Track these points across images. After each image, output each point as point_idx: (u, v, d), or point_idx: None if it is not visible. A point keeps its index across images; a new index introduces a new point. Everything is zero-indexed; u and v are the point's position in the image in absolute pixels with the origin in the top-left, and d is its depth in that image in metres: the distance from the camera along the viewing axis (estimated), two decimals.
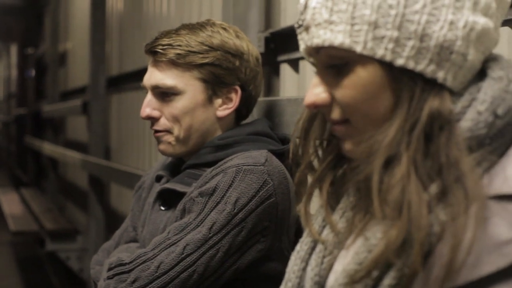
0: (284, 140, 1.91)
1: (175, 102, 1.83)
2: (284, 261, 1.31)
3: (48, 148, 8.97)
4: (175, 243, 1.67)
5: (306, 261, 1.23)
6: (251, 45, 1.92)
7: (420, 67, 1.05)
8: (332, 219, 1.21)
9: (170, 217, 1.83)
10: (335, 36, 1.07)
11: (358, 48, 1.06)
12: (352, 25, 1.06)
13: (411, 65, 1.05)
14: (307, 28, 1.12)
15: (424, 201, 1.00)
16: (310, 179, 1.26)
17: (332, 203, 1.24)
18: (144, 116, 1.86)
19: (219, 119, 1.88)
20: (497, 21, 1.11)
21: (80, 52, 7.80)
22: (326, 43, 1.08)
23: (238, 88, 1.87)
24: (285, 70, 2.78)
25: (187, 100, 1.83)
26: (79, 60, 7.95)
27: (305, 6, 1.13)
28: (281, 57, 2.79)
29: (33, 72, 13.48)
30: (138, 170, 4.39)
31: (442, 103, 1.04)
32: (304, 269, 1.22)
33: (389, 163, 1.04)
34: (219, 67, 1.83)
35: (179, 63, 1.82)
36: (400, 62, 1.05)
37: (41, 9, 12.26)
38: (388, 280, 1.02)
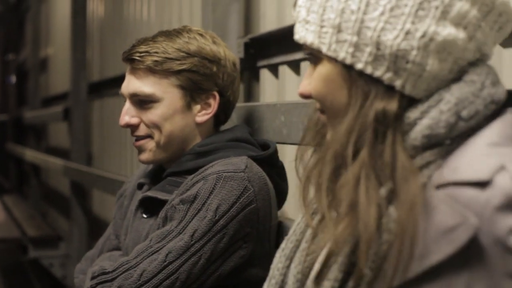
0: (264, 146, 1.92)
1: (153, 109, 1.84)
2: (266, 266, 1.32)
3: (30, 154, 8.93)
4: (158, 251, 1.68)
5: (291, 259, 1.24)
6: (227, 50, 1.92)
7: (377, 73, 1.09)
8: (311, 220, 1.23)
9: (152, 224, 1.83)
10: (308, 35, 1.15)
11: (324, 49, 1.13)
12: (321, 27, 1.13)
13: (369, 70, 1.09)
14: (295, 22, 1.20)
15: (373, 201, 1.04)
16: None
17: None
18: (123, 124, 1.87)
19: (198, 125, 1.88)
20: (477, 30, 1.11)
21: (62, 57, 7.77)
22: (302, 40, 1.16)
23: (216, 93, 1.88)
24: (265, 75, 2.79)
25: (166, 107, 1.83)
26: (61, 66, 7.92)
27: (295, 3, 1.20)
28: (261, 63, 2.80)
29: (14, 78, 13.41)
30: (120, 176, 4.38)
31: (388, 103, 1.08)
32: (288, 267, 1.24)
33: (343, 160, 1.10)
34: (196, 73, 1.84)
35: (157, 70, 1.82)
36: (359, 66, 1.10)
37: (22, 15, 12.20)
38: (334, 273, 1.08)
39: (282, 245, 1.28)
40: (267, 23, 2.77)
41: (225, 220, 1.69)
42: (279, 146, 1.95)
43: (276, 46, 2.63)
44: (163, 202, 1.82)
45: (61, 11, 7.83)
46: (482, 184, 0.99)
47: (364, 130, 1.08)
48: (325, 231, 1.12)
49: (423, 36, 1.06)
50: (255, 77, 2.88)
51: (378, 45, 1.08)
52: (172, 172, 1.87)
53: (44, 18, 9.83)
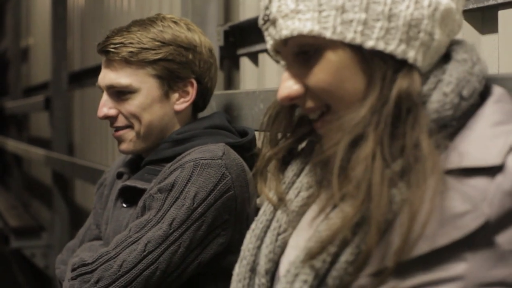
0: (243, 133, 1.91)
1: (131, 100, 1.83)
2: None
3: (12, 144, 8.90)
4: (136, 241, 1.67)
5: (261, 239, 1.24)
6: (203, 36, 1.91)
7: (390, 48, 1.06)
8: (286, 198, 1.23)
9: (132, 214, 1.83)
10: (303, 24, 1.08)
11: (328, 34, 1.07)
12: (320, 11, 1.07)
13: (381, 46, 1.06)
14: (274, 22, 1.12)
15: (386, 180, 1.01)
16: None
17: (284, 174, 1.26)
18: (101, 116, 1.85)
19: (177, 113, 1.87)
20: (458, 3, 1.12)
21: (43, 47, 7.74)
22: (295, 33, 1.09)
23: (193, 81, 1.87)
24: (245, 63, 2.79)
25: (143, 97, 1.82)
26: (42, 56, 7.89)
27: (270, 1, 1.13)
28: (241, 51, 2.79)
29: None
30: (102, 166, 4.37)
31: (412, 83, 1.06)
32: (259, 247, 1.24)
33: (357, 142, 1.05)
34: (172, 62, 1.83)
35: (132, 61, 1.81)
36: (370, 44, 1.06)
37: (2, 5, 12.12)
38: (345, 256, 1.04)
39: (252, 226, 1.27)
40: (247, 11, 2.77)
41: (203, 207, 1.69)
42: (257, 134, 1.94)
43: (256, 34, 2.62)
44: (142, 191, 1.81)
45: (42, 0, 7.78)
46: (493, 169, 0.99)
47: (384, 110, 1.05)
48: (328, 210, 1.09)
49: (429, 4, 1.06)
50: (235, 65, 2.88)
51: (390, 17, 1.05)
52: (150, 160, 1.86)
53: (24, 7, 9.77)
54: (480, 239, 0.99)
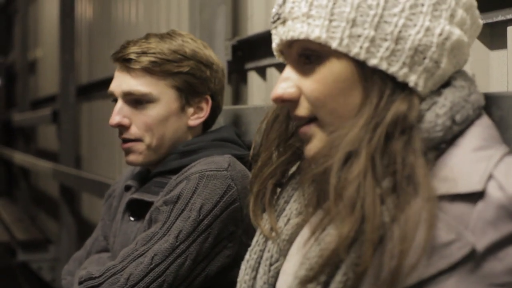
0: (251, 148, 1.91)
1: (148, 110, 1.81)
2: None
3: (19, 157, 8.90)
4: (143, 254, 1.67)
5: (256, 270, 1.24)
6: (216, 56, 1.93)
7: (392, 69, 1.07)
8: (276, 227, 1.23)
9: (139, 227, 1.82)
10: (312, 29, 1.09)
11: (334, 44, 1.08)
12: (331, 20, 1.08)
13: (384, 66, 1.07)
14: (284, 21, 1.13)
15: (378, 198, 1.01)
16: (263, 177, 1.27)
17: (276, 203, 1.26)
18: (114, 124, 1.82)
19: (190, 128, 1.87)
20: (470, 38, 1.14)
21: (50, 60, 7.76)
22: (302, 36, 1.10)
23: (209, 97, 1.88)
24: (253, 77, 2.78)
25: (161, 108, 1.82)
26: (49, 68, 7.91)
27: (284, 0, 1.14)
28: (249, 65, 2.79)
29: (2, 81, 13.37)
30: (109, 179, 4.37)
31: (411, 108, 1.06)
32: (254, 278, 1.24)
33: (348, 159, 1.05)
34: (192, 76, 1.83)
35: (154, 71, 1.80)
36: (373, 62, 1.07)
37: (10, 17, 12.17)
38: (339, 276, 1.03)
39: (247, 257, 1.27)
40: (255, 25, 2.77)
41: (209, 219, 1.68)
42: None
43: (264, 48, 2.62)
44: (149, 204, 1.81)
45: (50, 13, 7.81)
46: (474, 195, 1.00)
47: (377, 130, 1.05)
48: (317, 234, 1.09)
49: (441, 33, 1.07)
50: (243, 79, 2.87)
51: (397, 40, 1.06)
52: (158, 172, 1.86)
53: (32, 20, 9.80)
54: (465, 268, 0.99)
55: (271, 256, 1.22)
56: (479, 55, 1.74)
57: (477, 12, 1.16)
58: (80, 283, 1.71)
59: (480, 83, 1.73)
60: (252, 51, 2.74)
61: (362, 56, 1.07)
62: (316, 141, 1.14)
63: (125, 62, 1.82)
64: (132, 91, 1.81)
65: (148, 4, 4.21)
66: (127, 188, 1.96)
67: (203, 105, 1.88)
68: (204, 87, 1.86)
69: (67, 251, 5.82)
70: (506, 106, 1.15)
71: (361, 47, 1.07)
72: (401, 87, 1.07)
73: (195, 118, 1.87)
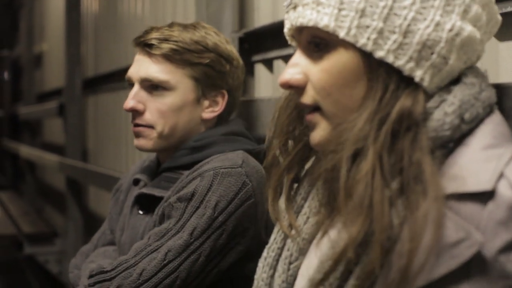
0: (261, 140, 1.91)
1: (164, 97, 1.81)
2: None
3: (25, 150, 8.92)
4: (156, 249, 1.67)
5: (274, 268, 1.23)
6: (238, 54, 1.93)
7: (399, 63, 1.05)
8: (296, 225, 1.21)
9: (148, 221, 1.82)
10: (321, 17, 1.08)
11: (342, 33, 1.07)
12: (340, 9, 1.07)
13: (390, 59, 1.05)
14: (295, 7, 1.13)
15: (387, 198, 1.00)
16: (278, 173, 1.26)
17: (294, 199, 1.24)
18: (128, 108, 1.82)
19: (203, 121, 1.87)
20: (484, 34, 1.12)
21: (56, 53, 7.76)
22: (311, 23, 1.09)
23: (225, 92, 1.87)
24: (260, 70, 2.78)
25: (177, 97, 1.81)
26: (55, 62, 7.91)
27: None
28: (255, 57, 2.78)
29: (7, 75, 13.38)
30: (116, 172, 4.37)
31: (415, 104, 1.04)
32: (272, 276, 1.23)
33: (356, 155, 1.04)
34: (212, 69, 1.83)
35: (175, 58, 1.80)
36: (380, 54, 1.05)
37: (16, 11, 12.18)
38: (352, 280, 1.02)
39: (264, 254, 1.26)
40: (262, 17, 2.76)
41: (224, 216, 1.68)
42: None
43: (270, 40, 2.61)
44: (159, 199, 1.80)
45: (55, 6, 7.81)
46: (484, 195, 0.98)
47: (383, 125, 1.03)
48: (334, 231, 1.07)
49: (451, 29, 1.05)
50: (250, 72, 2.86)
51: (406, 33, 1.05)
52: (168, 167, 1.85)
53: (38, 13, 9.81)
54: (477, 271, 0.98)
55: (291, 255, 1.21)
56: (489, 46, 1.72)
57: (495, 8, 1.14)
58: (91, 276, 1.70)
59: (490, 74, 1.72)
60: (259, 43, 2.73)
61: (369, 47, 1.06)
62: (320, 130, 1.13)
63: (146, 47, 1.82)
64: (150, 78, 1.81)
65: None
66: (136, 182, 1.96)
67: (219, 99, 1.87)
68: (222, 81, 1.86)
69: (74, 244, 5.83)
70: None
71: (368, 38, 1.05)
72: (406, 82, 1.06)
73: (210, 111, 1.87)
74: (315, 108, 1.13)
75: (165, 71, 1.80)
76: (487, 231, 0.97)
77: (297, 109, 1.23)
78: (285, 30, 1.18)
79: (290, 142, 1.26)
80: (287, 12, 1.15)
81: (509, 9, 1.65)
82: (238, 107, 1.96)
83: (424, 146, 1.02)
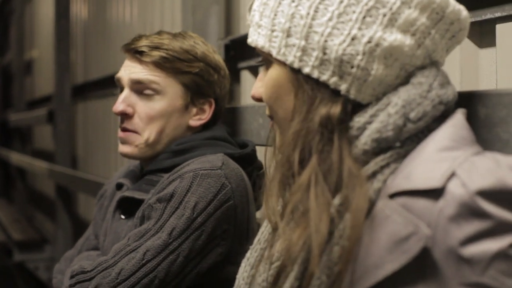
0: (243, 146, 1.92)
1: (153, 102, 1.83)
2: None
3: (16, 157, 8.90)
4: (135, 249, 1.67)
5: (256, 268, 1.25)
6: (224, 63, 1.95)
7: (323, 78, 1.11)
8: (280, 226, 1.23)
9: (130, 225, 1.82)
10: (260, 39, 1.17)
11: (274, 52, 1.14)
12: (272, 31, 1.14)
13: (315, 74, 1.11)
14: (249, 26, 1.21)
15: (325, 207, 1.05)
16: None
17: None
18: (118, 111, 1.83)
19: (189, 128, 1.88)
20: (425, 37, 1.12)
21: (46, 60, 7.76)
22: (253, 44, 1.19)
23: (212, 101, 1.89)
24: (246, 77, 2.79)
25: (166, 102, 1.83)
26: (45, 68, 7.91)
27: (250, 7, 1.22)
28: (241, 64, 2.80)
29: None
30: (105, 179, 4.37)
31: (331, 108, 1.10)
32: (253, 276, 1.25)
33: (292, 165, 1.12)
34: (201, 78, 1.85)
35: (165, 66, 1.82)
36: (306, 70, 1.12)
37: (6, 18, 12.16)
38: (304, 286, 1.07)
39: (247, 255, 1.29)
40: (247, 25, 2.77)
41: (203, 217, 1.69)
42: (257, 148, 1.94)
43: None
44: (139, 202, 1.81)
45: (45, 13, 7.82)
46: (435, 192, 1.00)
47: (311, 136, 1.10)
48: (278, 239, 1.14)
49: (369, 41, 1.08)
50: (236, 78, 2.88)
51: (324, 49, 1.10)
52: (149, 170, 1.86)
53: (28, 20, 9.81)
54: (431, 269, 1.00)
55: (273, 255, 1.23)
56: (469, 53, 1.75)
57: (449, 6, 1.13)
58: (72, 277, 1.71)
59: (469, 81, 1.74)
60: (244, 50, 2.74)
61: (295, 65, 1.12)
62: (277, 136, 1.22)
63: (136, 54, 1.84)
64: (141, 80, 1.82)
65: (142, 5, 4.22)
66: (119, 186, 1.97)
67: (206, 107, 1.89)
68: (210, 90, 1.88)
69: (63, 251, 5.80)
70: (491, 104, 1.15)
71: (295, 56, 1.12)
72: (335, 94, 1.11)
73: (197, 119, 1.88)
74: (271, 116, 1.22)
75: (156, 76, 1.82)
76: (439, 228, 0.99)
77: None
78: None
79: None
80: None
81: (488, 16, 1.67)
82: (222, 116, 1.97)
83: (344, 150, 1.08)
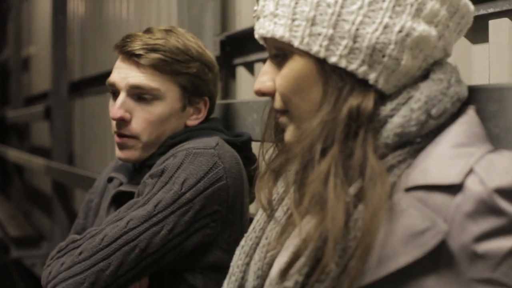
0: (238, 136, 1.91)
1: (153, 106, 1.80)
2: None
3: (13, 154, 8.90)
4: (121, 218, 1.67)
5: (251, 256, 1.25)
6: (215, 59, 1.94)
7: (352, 67, 1.09)
8: (276, 215, 1.24)
9: None
10: (277, 28, 1.13)
11: (296, 43, 1.11)
12: (293, 20, 1.11)
13: (343, 63, 1.09)
14: (258, 18, 1.18)
15: (342, 198, 1.04)
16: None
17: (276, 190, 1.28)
18: (116, 117, 1.79)
19: (186, 127, 1.87)
20: (445, 29, 1.13)
21: (43, 56, 7.75)
22: (269, 35, 1.14)
23: (207, 99, 1.89)
24: (241, 73, 2.79)
25: (166, 106, 1.81)
26: (43, 65, 7.90)
27: None
28: (237, 60, 2.80)
29: None
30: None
31: (364, 101, 1.08)
32: (248, 264, 1.25)
33: (313, 155, 1.09)
34: (198, 78, 1.84)
35: (164, 69, 1.79)
36: (333, 60, 1.09)
37: (4, 14, 12.15)
38: (315, 276, 1.05)
39: (242, 243, 1.28)
40: (243, 21, 2.78)
41: (191, 193, 1.67)
42: (252, 144, 1.95)
43: (252, 43, 2.62)
44: None
45: (43, 9, 7.81)
46: (453, 188, 1.00)
47: (336, 127, 1.08)
48: (292, 227, 1.12)
49: (400, 30, 1.08)
50: (231, 74, 2.89)
51: (355, 38, 1.08)
52: (146, 165, 1.85)
53: (25, 17, 9.80)
54: (445, 264, 1.00)
55: (269, 244, 1.23)
56: (461, 49, 1.75)
57: (460, 0, 1.14)
58: (61, 249, 1.71)
59: (462, 76, 1.75)
60: (240, 46, 2.75)
61: (322, 54, 1.10)
62: (288, 131, 1.19)
63: (133, 57, 1.79)
64: (141, 85, 1.78)
65: (139, 1, 4.22)
66: (110, 180, 1.96)
67: (201, 106, 1.88)
68: (205, 89, 1.87)
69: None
70: (482, 99, 1.16)
71: (320, 45, 1.10)
72: (362, 84, 1.09)
73: (194, 118, 1.87)
74: (284, 111, 1.18)
75: (155, 80, 1.79)
76: (455, 223, 0.99)
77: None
78: (256, 36, 1.22)
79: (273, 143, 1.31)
80: (256, 21, 1.20)
81: (481, 12, 1.67)
82: (213, 111, 1.97)
83: (369, 145, 1.06)
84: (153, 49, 1.79)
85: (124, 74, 1.80)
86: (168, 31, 1.86)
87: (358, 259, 1.01)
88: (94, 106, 5.32)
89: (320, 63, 1.10)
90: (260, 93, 1.20)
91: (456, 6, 1.14)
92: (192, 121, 1.87)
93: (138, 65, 1.79)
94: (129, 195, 1.82)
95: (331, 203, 1.04)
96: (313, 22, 1.10)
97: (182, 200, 1.67)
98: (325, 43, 1.09)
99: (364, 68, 1.08)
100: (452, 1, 1.13)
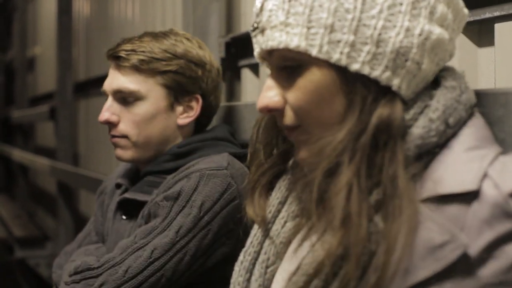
0: (245, 145, 1.92)
1: (136, 107, 1.83)
2: None
3: (18, 154, 8.90)
4: (142, 247, 1.68)
5: (251, 272, 1.23)
6: (212, 56, 1.94)
7: (375, 73, 1.04)
8: (273, 228, 1.22)
9: (132, 226, 1.83)
10: (290, 38, 1.06)
11: (314, 52, 1.05)
12: (309, 28, 1.05)
13: (366, 70, 1.04)
14: (262, 31, 1.11)
15: (365, 211, 1.00)
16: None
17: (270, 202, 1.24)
18: (102, 120, 1.85)
19: (180, 127, 1.88)
20: (452, 33, 1.12)
21: (49, 57, 7.75)
22: (282, 46, 1.07)
23: (199, 97, 1.88)
24: (246, 74, 2.79)
25: (149, 105, 1.83)
26: (48, 65, 7.90)
27: (261, 9, 1.12)
28: (242, 62, 2.80)
29: (1, 78, 13.35)
30: (106, 176, 4.36)
31: (393, 111, 1.04)
32: (248, 280, 1.23)
33: (336, 168, 1.03)
34: (182, 75, 1.84)
35: (142, 69, 1.82)
36: (355, 67, 1.04)
37: (9, 14, 12.16)
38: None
39: (241, 258, 1.26)
40: (248, 22, 2.77)
41: (210, 216, 1.70)
42: None
43: None
44: (142, 203, 1.81)
45: (48, 10, 7.81)
46: (469, 194, 0.99)
47: (363, 138, 1.02)
48: (313, 240, 1.07)
49: (420, 34, 1.05)
50: (237, 76, 2.88)
51: (378, 43, 1.03)
52: (150, 172, 1.87)
53: (31, 17, 9.80)
54: (461, 271, 0.99)
55: (268, 259, 1.21)
56: (467, 52, 1.74)
57: (460, 3, 1.13)
58: (77, 272, 1.71)
59: (468, 80, 1.74)
60: (245, 48, 2.75)
61: (343, 62, 1.04)
62: (304, 149, 1.12)
63: (115, 60, 1.85)
64: (121, 89, 1.83)
65: (144, 2, 4.22)
66: (118, 186, 1.97)
67: (193, 104, 1.89)
68: (194, 86, 1.87)
69: (64, 247, 5.82)
70: (488, 103, 1.15)
71: (341, 53, 1.04)
72: (383, 92, 1.05)
73: (184, 117, 1.88)
74: (296, 126, 1.12)
75: (135, 82, 1.82)
76: (472, 230, 0.98)
77: (275, 127, 1.23)
78: (255, 54, 1.16)
79: (266, 156, 1.26)
80: (255, 36, 1.13)
81: (487, 15, 1.67)
82: (215, 111, 1.97)
83: (399, 159, 1.02)
84: (133, 50, 1.83)
85: (110, 79, 1.87)
86: (160, 34, 1.89)
87: (379, 274, 0.98)
88: (99, 106, 5.27)
89: (341, 71, 1.05)
90: (266, 110, 1.12)
91: (457, 9, 1.12)
92: (183, 120, 1.88)
93: (120, 67, 1.84)
94: (133, 202, 1.84)
95: (355, 219, 0.99)
96: (331, 29, 1.04)
97: (202, 223, 1.69)
98: (346, 50, 1.04)
99: (387, 74, 1.04)
100: (454, 4, 1.11)
